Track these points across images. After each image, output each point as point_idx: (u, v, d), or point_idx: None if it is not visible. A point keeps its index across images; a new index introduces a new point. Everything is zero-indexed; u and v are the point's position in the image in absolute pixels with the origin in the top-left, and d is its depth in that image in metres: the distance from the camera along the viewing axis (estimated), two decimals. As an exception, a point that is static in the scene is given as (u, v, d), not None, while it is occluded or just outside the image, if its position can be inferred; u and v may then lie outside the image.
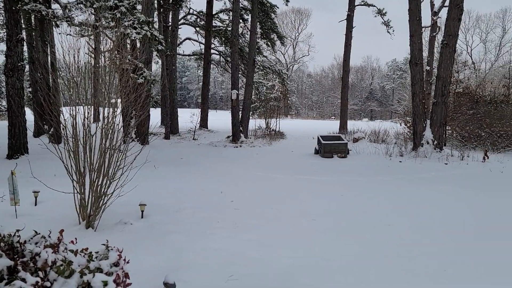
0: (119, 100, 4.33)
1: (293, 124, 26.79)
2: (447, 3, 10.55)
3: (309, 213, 4.88)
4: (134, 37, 9.13)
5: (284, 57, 54.48)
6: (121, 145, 4.22)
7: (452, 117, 12.57)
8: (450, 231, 4.28)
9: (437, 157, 9.91)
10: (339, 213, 4.94)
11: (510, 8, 70.34)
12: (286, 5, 18.14)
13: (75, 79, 4.18)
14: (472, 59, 47.34)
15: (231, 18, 14.68)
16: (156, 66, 21.41)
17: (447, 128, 11.92)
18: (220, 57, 21.40)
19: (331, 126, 22.08)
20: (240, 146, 12.37)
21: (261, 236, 4.01)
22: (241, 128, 13.29)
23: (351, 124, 20.42)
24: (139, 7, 10.59)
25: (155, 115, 18.04)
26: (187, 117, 16.43)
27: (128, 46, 9.34)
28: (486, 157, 9.65)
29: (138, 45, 9.75)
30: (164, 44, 10.83)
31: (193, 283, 2.90)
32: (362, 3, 17.83)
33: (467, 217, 4.89)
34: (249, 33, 14.19)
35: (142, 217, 4.44)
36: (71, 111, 3.97)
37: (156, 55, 16.85)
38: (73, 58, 4.12)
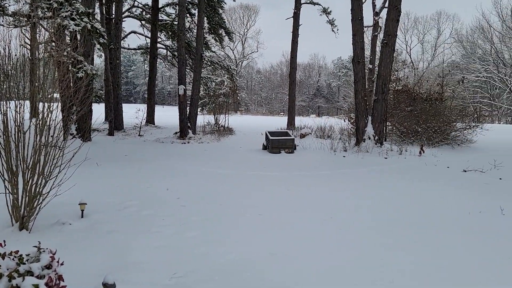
0: (56, 95, 4.11)
1: (242, 120, 26.89)
2: (387, 4, 11.03)
3: (256, 208, 4.93)
4: (73, 29, 8.69)
5: (233, 52, 54.47)
6: (58, 142, 4.01)
7: (392, 113, 13.21)
8: (388, 217, 4.51)
9: (378, 152, 10.38)
10: (285, 208, 5.03)
11: (445, 11, 75.02)
12: (234, 0, 18.15)
13: (6, 71, 3.92)
14: (411, 59, 50.03)
15: (177, 12, 14.40)
16: (100, 60, 20.59)
17: (387, 124, 12.50)
18: (167, 52, 20.96)
19: (280, 122, 22.41)
20: (188, 142, 12.22)
21: (207, 232, 3.99)
22: (189, 124, 13.12)
23: (299, 120, 20.85)
24: (79, -3, 10.09)
25: (99, 110, 17.37)
26: (132, 112, 15.96)
27: (68, 38, 8.89)
28: (422, 152, 10.26)
29: (79, 37, 9.31)
30: (106, 37, 10.41)
31: (136, 282, 2.83)
32: (308, 2, 18.21)
33: (404, 204, 5.17)
34: (196, 27, 14.00)
35: (82, 216, 4.26)
36: (1, 106, 3.72)
37: (99, 49, 16.19)
38: (4, 50, 3.86)
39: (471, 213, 4.90)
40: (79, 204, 4.28)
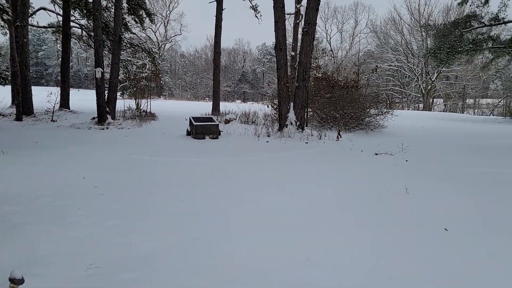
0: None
1: (166, 105, 26.20)
2: (308, -7, 11.34)
3: (178, 195, 4.88)
4: (-30, 2, 7.77)
5: (155, 35, 52.52)
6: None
7: (313, 100, 13.76)
8: (306, 198, 4.74)
9: (299, 137, 10.78)
10: (208, 194, 5.05)
11: (361, 2, 79.11)
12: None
13: None
14: (330, 47, 52.24)
15: (93, -11, 13.46)
16: (5, 38, 18.64)
17: (308, 110, 12.99)
18: (82, 31, 19.59)
19: (205, 107, 22.22)
20: (107, 128, 11.65)
21: (128, 221, 3.88)
22: (107, 109, 12.49)
23: (224, 106, 20.86)
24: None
25: (4, 93, 15.83)
26: (44, 96, 14.76)
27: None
28: (339, 136, 10.86)
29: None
30: (10, 13, 9.44)
31: (47, 275, 2.68)
32: (232, -14, 18.08)
33: (321, 185, 5.46)
34: (114, 7, 13.24)
35: (-15, 209, 3.91)
36: None
37: (2, 26, 14.64)
38: None
39: (380, 193, 5.31)
40: (-19, 196, 3.91)
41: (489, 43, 21.96)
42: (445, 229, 3.94)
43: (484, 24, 21.54)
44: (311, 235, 3.68)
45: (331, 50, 50.26)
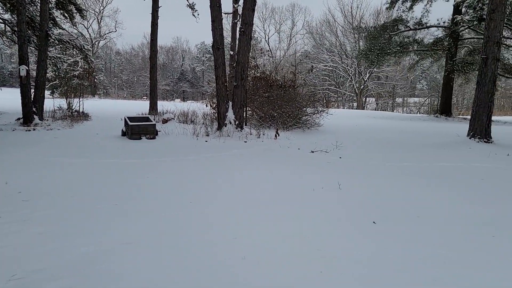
0: None
1: (101, 105, 25.06)
2: (244, -6, 11.42)
3: (111, 198, 4.71)
4: None
5: (87, 31, 50.05)
6: None
7: (252, 99, 13.89)
8: (244, 196, 4.80)
9: (238, 136, 10.84)
10: (143, 196, 4.93)
11: (298, 3, 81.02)
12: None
13: None
14: (269, 47, 52.98)
15: (17, -20, 12.53)
16: None
17: (247, 109, 13.09)
18: (5, 26, 18.16)
19: (143, 106, 21.57)
20: (34, 130, 10.93)
21: (57, 227, 3.69)
22: (34, 109, 11.71)
23: (162, 105, 20.39)
24: None
25: None
26: (-39, 95, 13.54)
27: None
28: (277, 135, 11.07)
29: None
30: None
31: (-38, 291, 2.48)
32: (168, -17, 17.73)
33: (259, 183, 5.55)
34: (40, 1, 12.44)
35: None
36: None
37: None
38: None
39: (315, 189, 5.50)
40: None
41: (415, 46, 23.55)
42: (373, 222, 4.18)
43: (409, 28, 23.04)
44: (250, 233, 3.73)
45: (270, 50, 51.01)
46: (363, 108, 42.99)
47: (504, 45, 21.25)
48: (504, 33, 17.97)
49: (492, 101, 10.92)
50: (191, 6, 18.20)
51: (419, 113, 36.40)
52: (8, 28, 18.22)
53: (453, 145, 10.47)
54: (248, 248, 3.37)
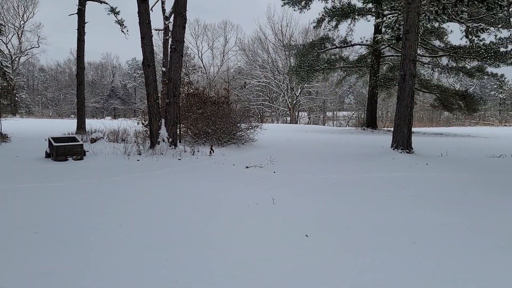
0: None
1: (22, 125, 23.37)
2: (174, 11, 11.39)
3: (31, 226, 4.38)
4: None
5: (6, 46, 46.73)
6: None
7: (185, 115, 13.76)
8: (172, 214, 4.70)
9: (172, 154, 10.64)
10: (66, 222, 4.64)
11: (230, 21, 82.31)
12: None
13: None
14: (202, 63, 53.10)
15: None
16: None
17: (181, 126, 12.94)
18: None
19: (70, 125, 20.43)
20: None
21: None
22: None
23: (92, 123, 19.48)
24: None
25: None
26: None
27: None
28: (212, 151, 11.04)
29: None
30: None
31: None
32: (93, -1, 17.17)
33: (187, 201, 5.47)
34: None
35: None
36: None
37: None
38: None
39: (249, 205, 5.54)
40: None
41: (341, 62, 24.91)
42: (306, 235, 4.29)
43: (335, 46, 24.37)
44: (184, 253, 3.65)
45: (203, 66, 51.09)
46: (296, 122, 44.38)
47: (420, 62, 23.21)
48: (419, 52, 19.67)
49: (412, 114, 11.81)
50: (120, 23, 17.76)
51: (348, 126, 38.31)
52: None
53: (378, 156, 11.12)
54: (180, 270, 3.30)
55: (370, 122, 25.06)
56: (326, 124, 46.93)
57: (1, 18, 44.58)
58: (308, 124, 43.94)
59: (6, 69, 17.00)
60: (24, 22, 49.38)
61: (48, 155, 9.97)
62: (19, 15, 49.00)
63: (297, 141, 16.13)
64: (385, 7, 21.24)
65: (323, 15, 23.43)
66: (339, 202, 5.91)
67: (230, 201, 5.79)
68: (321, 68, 23.51)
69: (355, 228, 4.58)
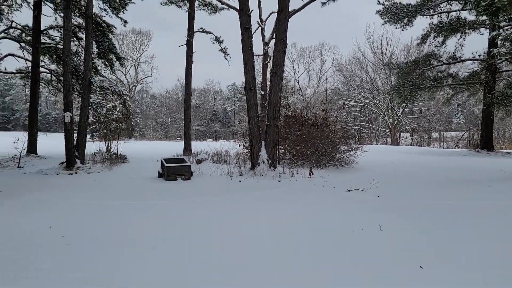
0: None
1: (137, 147, 25.90)
2: (275, 36, 11.77)
3: (149, 242, 4.74)
4: None
5: (125, 77, 52.65)
6: None
7: (284, 137, 13.95)
8: (279, 239, 4.71)
9: (271, 175, 10.82)
10: (179, 238, 4.93)
11: (327, 43, 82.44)
12: (125, 26, 17.73)
13: None
14: (299, 85, 53.75)
15: (62, 36, 13.53)
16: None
17: (279, 147, 13.13)
18: (51, 76, 19.43)
19: (177, 147, 22.09)
20: (76, 173, 11.36)
21: (93, 273, 3.73)
22: (76, 153, 12.23)
23: (196, 145, 20.81)
24: None
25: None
26: (10, 142, 14.35)
27: None
28: (311, 173, 10.96)
29: None
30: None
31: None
32: (201, 30, 18.58)
33: (296, 225, 5.44)
34: (84, 52, 13.28)
35: None
36: None
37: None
38: None
39: (354, 231, 5.33)
40: None
41: (449, 80, 23.19)
42: (421, 266, 3.97)
43: (442, 63, 22.82)
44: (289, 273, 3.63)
45: (300, 89, 51.66)
46: (397, 144, 42.13)
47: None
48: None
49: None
50: (223, 51, 18.89)
51: (457, 148, 35.23)
52: (53, 78, 19.45)
53: (499, 181, 9.99)
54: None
55: (485, 144, 22.73)
56: (431, 146, 43.73)
57: (122, 52, 50.46)
58: (411, 145, 41.44)
59: (126, 98, 19.08)
60: (140, 55, 55.31)
61: (160, 175, 10.84)
62: (136, 49, 55.06)
63: (401, 164, 15.27)
64: (501, 19, 19.36)
65: (428, 31, 22.19)
66: (455, 230, 5.38)
67: (334, 227, 5.63)
68: (426, 87, 22.13)
69: (475, 261, 4.11)
